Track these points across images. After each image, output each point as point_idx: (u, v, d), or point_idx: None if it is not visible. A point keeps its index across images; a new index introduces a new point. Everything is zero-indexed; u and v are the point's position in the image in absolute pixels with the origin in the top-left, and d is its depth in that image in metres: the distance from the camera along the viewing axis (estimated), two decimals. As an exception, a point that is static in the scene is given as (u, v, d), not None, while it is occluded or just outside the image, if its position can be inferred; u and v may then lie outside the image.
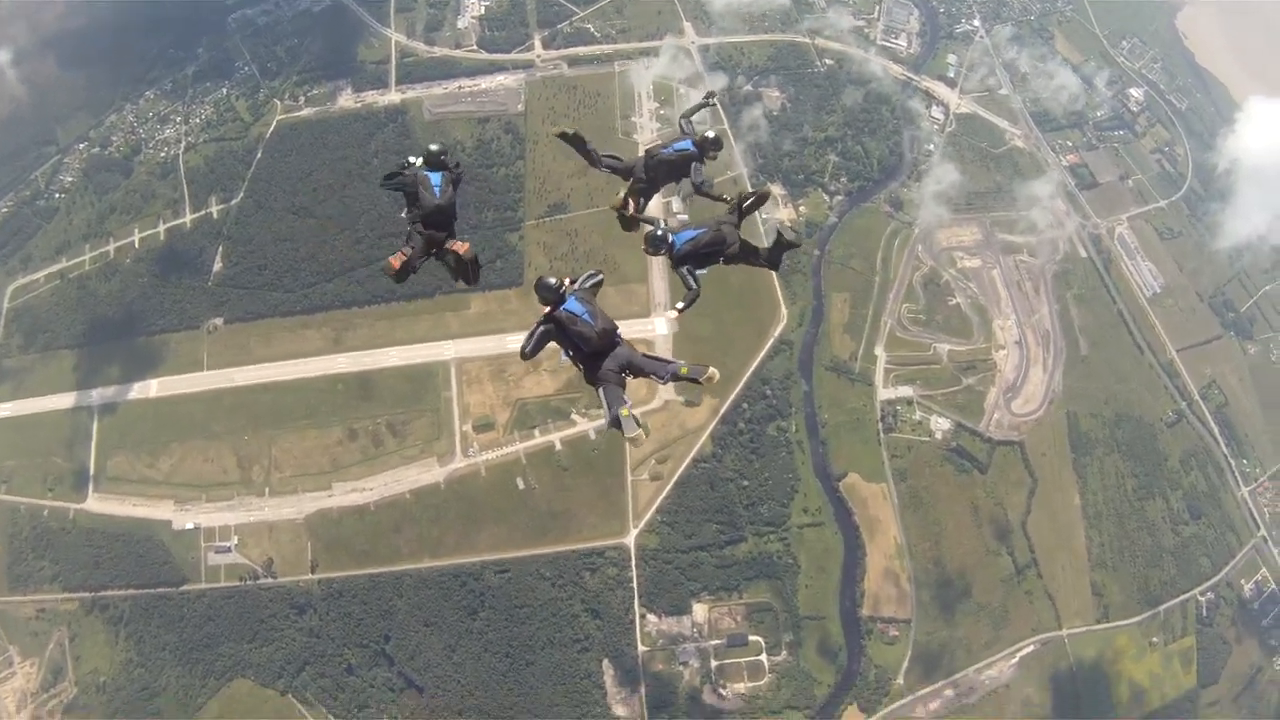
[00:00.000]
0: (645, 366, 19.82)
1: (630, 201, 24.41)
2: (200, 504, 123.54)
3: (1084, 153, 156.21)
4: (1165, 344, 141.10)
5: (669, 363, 19.83)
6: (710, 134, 24.05)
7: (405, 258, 21.33)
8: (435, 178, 22.15)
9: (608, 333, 19.51)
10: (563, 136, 24.15)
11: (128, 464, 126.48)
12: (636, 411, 18.80)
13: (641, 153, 24.80)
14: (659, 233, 21.70)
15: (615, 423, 18.75)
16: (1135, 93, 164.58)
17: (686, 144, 23.94)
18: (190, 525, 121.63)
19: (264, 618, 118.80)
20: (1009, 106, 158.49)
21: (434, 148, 22.69)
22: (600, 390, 19.54)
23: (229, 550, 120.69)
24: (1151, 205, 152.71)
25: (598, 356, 19.58)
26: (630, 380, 20.18)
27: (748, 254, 22.59)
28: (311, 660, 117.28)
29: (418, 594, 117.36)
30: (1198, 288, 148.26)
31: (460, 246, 21.78)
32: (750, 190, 23.33)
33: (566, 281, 20.10)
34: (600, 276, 21.11)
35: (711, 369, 19.27)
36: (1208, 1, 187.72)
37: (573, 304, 19.54)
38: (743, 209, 22.73)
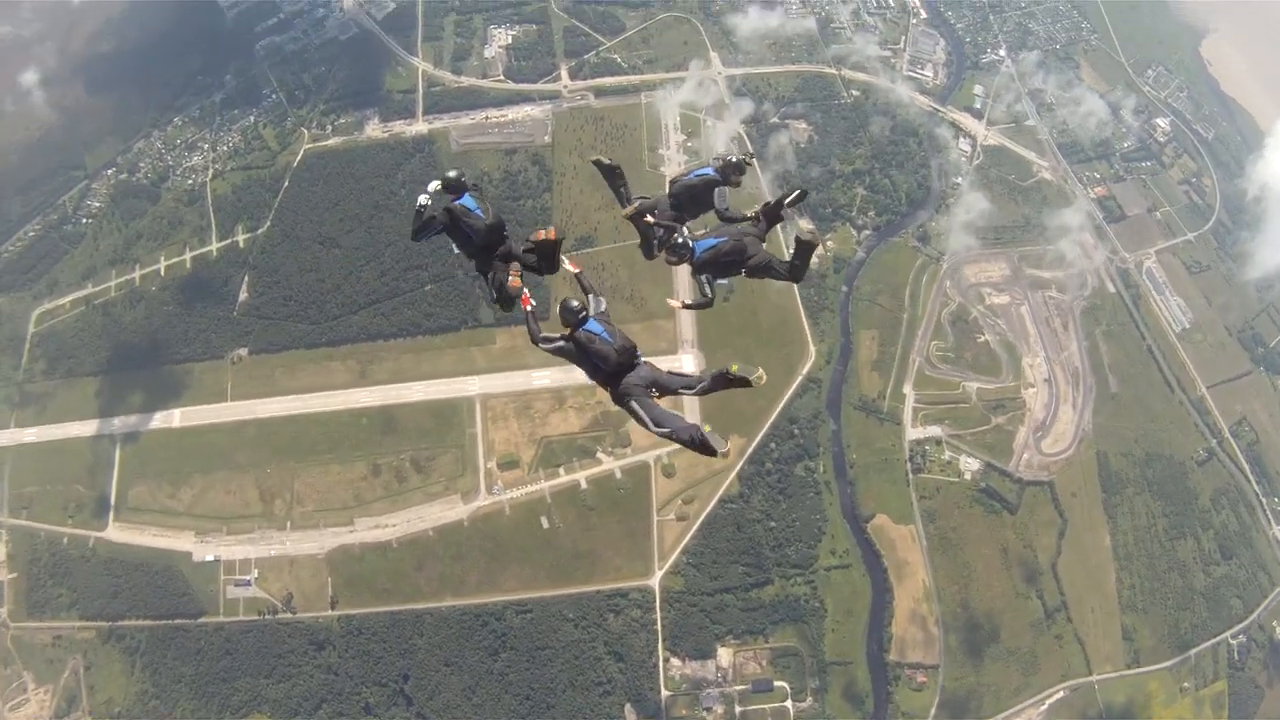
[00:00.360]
0: (670, 383, 19.74)
1: (642, 210, 23.21)
2: (221, 536, 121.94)
3: (1111, 185, 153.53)
4: (1195, 380, 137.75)
5: (693, 376, 19.80)
6: (733, 157, 22.86)
7: (519, 274, 21.30)
8: (470, 202, 21.91)
9: (626, 350, 19.51)
10: (598, 165, 23.84)
11: (149, 494, 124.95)
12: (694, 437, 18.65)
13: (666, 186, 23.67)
14: (680, 240, 21.47)
15: (696, 443, 18.53)
16: (1162, 123, 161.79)
17: (708, 169, 22.93)
18: (210, 557, 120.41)
19: (282, 653, 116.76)
20: (1036, 137, 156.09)
21: (452, 174, 22.39)
22: (634, 404, 19.26)
23: (249, 584, 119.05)
24: (1180, 238, 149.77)
25: (617, 376, 19.50)
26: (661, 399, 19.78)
27: (770, 266, 21.75)
28: (329, 698, 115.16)
29: (438, 633, 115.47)
30: (1226, 322, 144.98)
31: (544, 233, 21.81)
32: (786, 191, 22.59)
33: (590, 303, 20.30)
34: (604, 306, 20.78)
35: (760, 370, 19.11)
36: (1231, 29, 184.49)
37: (592, 324, 19.69)
38: (781, 208, 22.28)
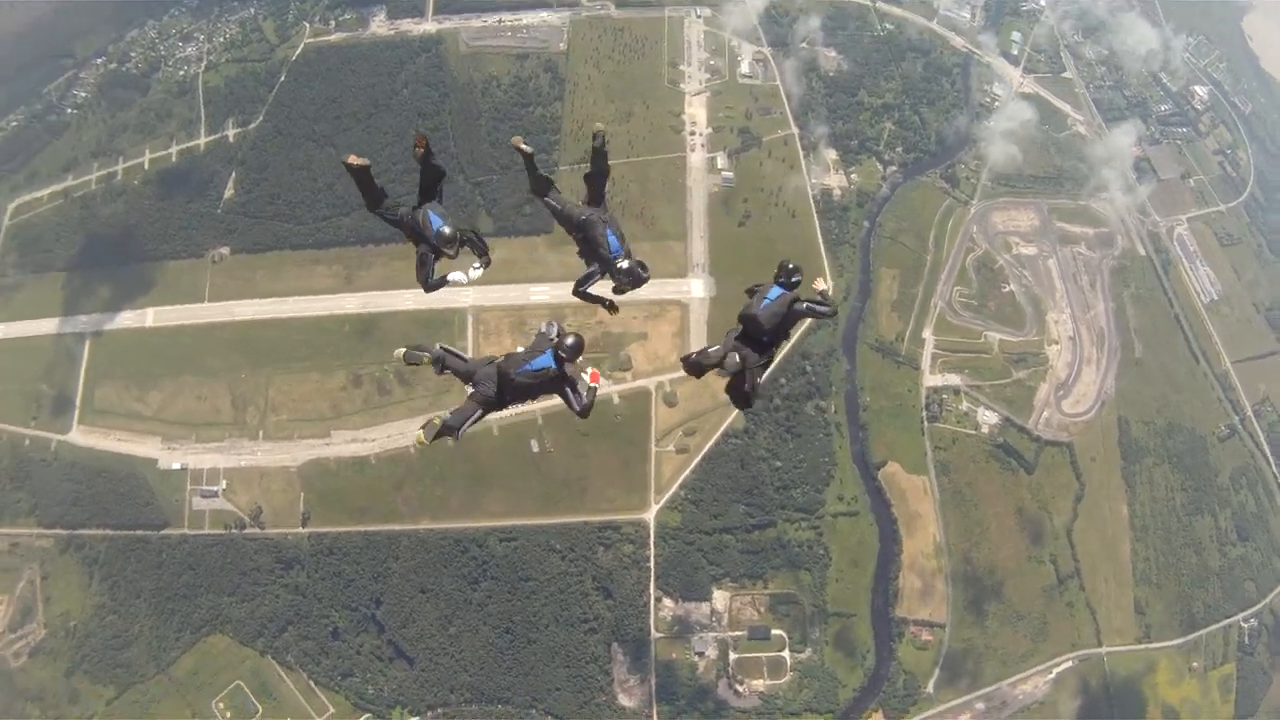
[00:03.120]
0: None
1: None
2: (189, 443, 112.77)
3: (1147, 146, 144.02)
4: (1221, 354, 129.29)
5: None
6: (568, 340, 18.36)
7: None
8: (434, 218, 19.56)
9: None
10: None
11: (116, 396, 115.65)
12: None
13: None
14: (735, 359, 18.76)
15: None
16: (1200, 90, 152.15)
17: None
18: (176, 465, 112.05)
19: (247, 570, 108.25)
20: (1072, 90, 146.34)
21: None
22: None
23: (216, 495, 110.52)
24: (1212, 208, 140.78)
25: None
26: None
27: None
28: (295, 620, 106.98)
29: (415, 557, 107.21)
30: (1255, 299, 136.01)
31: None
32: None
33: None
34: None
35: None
36: (1273, 5, 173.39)
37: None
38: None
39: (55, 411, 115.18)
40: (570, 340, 17.85)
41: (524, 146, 20.02)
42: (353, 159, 19.31)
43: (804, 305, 18.97)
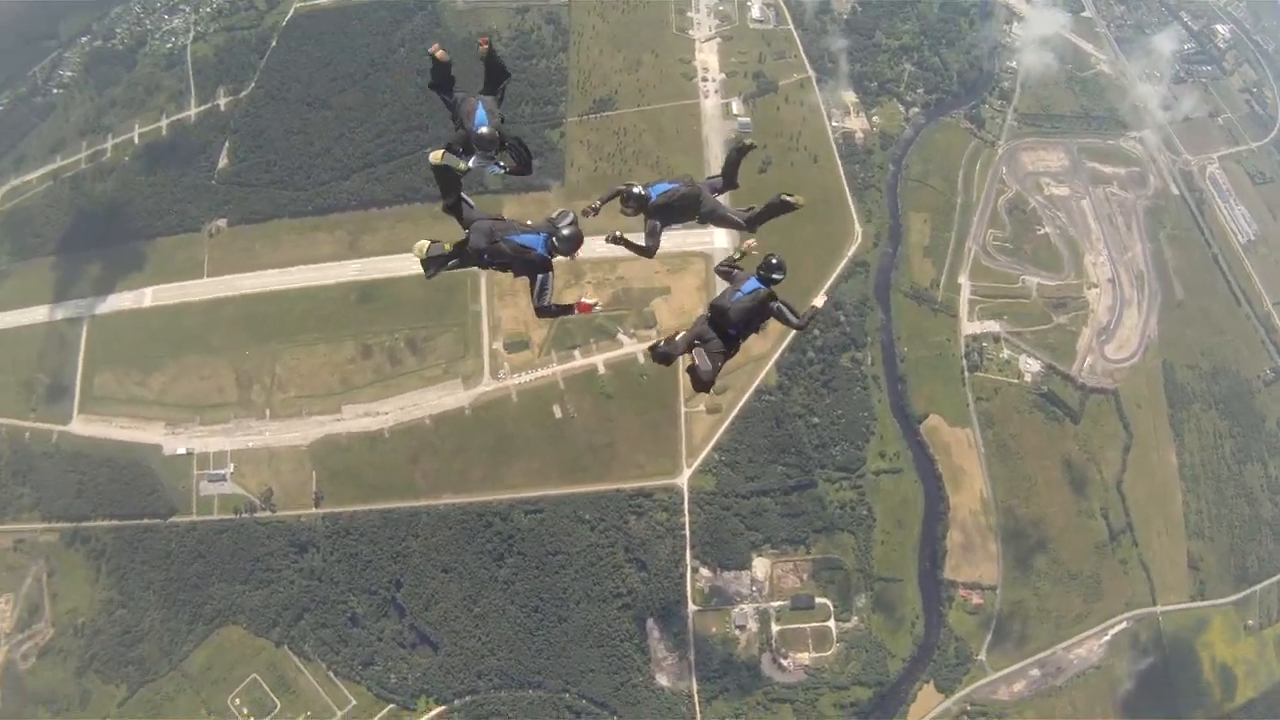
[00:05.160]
0: (726, 218, 19.44)
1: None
2: (194, 426, 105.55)
3: (1172, 85, 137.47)
4: (1261, 295, 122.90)
5: (743, 211, 19.49)
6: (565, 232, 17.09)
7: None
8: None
9: (692, 181, 19.02)
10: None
11: (116, 381, 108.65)
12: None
13: None
14: (636, 190, 18.49)
15: (780, 206, 18.78)
16: (1221, 29, 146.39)
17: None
18: (182, 450, 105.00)
19: (260, 556, 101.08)
20: (1094, 30, 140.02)
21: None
22: (721, 214, 19.22)
23: (224, 479, 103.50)
24: (1242, 146, 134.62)
25: (700, 205, 18.93)
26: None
27: (724, 215, 19.45)
28: (311, 607, 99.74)
29: (435, 535, 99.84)
30: None
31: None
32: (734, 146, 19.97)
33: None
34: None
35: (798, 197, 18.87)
36: None
37: (659, 187, 18.49)
38: (735, 168, 19.72)
39: (55, 401, 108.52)
40: (566, 231, 16.79)
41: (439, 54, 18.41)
42: (437, 51, 18.00)
43: (777, 306, 17.90)
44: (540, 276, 17.00)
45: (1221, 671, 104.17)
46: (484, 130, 17.33)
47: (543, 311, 17.42)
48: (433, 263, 17.21)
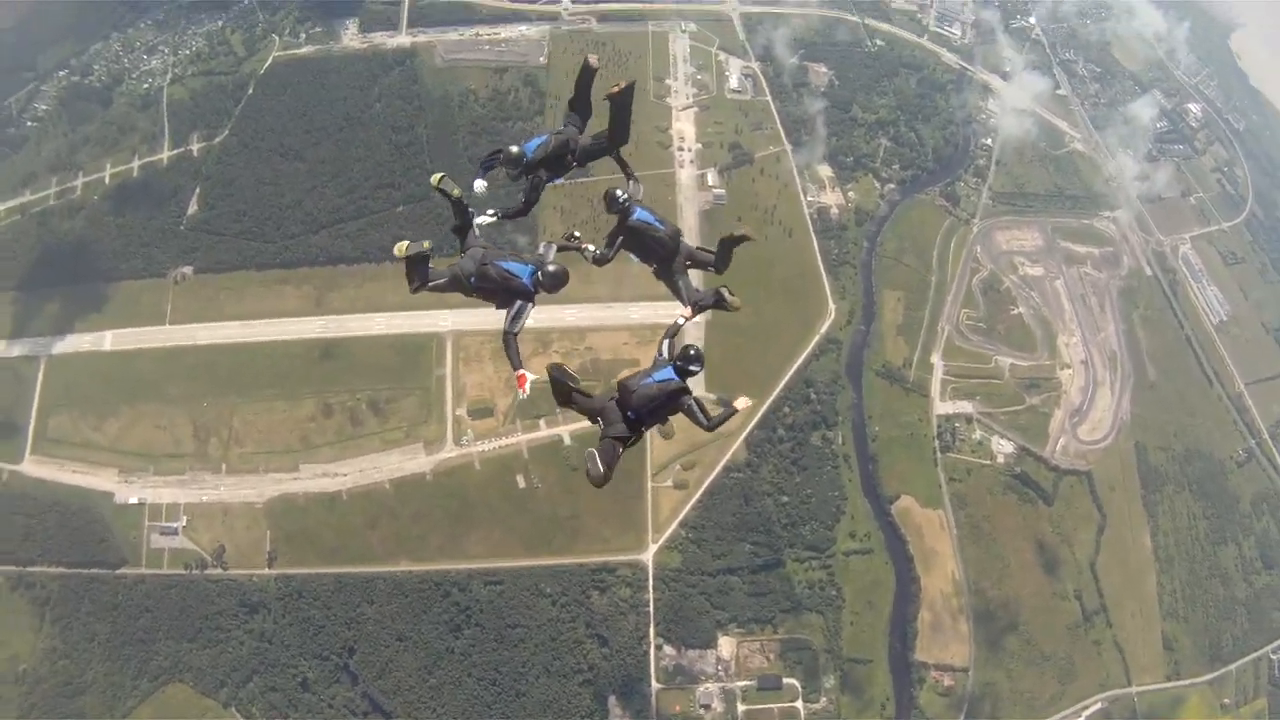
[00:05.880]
0: (700, 257, 19.33)
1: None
2: (147, 476, 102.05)
3: (1145, 163, 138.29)
4: (1233, 376, 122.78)
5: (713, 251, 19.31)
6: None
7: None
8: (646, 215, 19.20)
9: (675, 235, 19.00)
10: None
11: (71, 424, 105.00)
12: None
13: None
14: (513, 150, 18.49)
15: (714, 301, 18.30)
16: (1194, 108, 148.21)
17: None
18: (134, 500, 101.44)
19: (209, 614, 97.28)
20: (1068, 107, 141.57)
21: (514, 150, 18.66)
22: (677, 282, 18.92)
23: (175, 532, 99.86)
24: (1214, 226, 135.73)
25: (670, 257, 18.92)
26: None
27: (590, 151, 19.41)
28: (261, 669, 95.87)
29: (391, 602, 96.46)
30: (1262, 319, 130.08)
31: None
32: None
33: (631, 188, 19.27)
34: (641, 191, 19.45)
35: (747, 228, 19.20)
36: (1259, 25, 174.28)
37: (641, 213, 18.77)
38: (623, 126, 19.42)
39: (6, 440, 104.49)
40: (552, 268, 17.18)
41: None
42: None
43: (688, 403, 17.03)
44: (518, 304, 17.21)
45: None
46: (516, 151, 18.09)
47: (508, 340, 17.38)
48: (415, 270, 17.17)
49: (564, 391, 16.79)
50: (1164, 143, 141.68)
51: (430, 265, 17.12)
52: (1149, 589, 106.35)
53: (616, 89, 18.31)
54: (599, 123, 19.34)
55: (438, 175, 17.56)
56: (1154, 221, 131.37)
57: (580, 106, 19.21)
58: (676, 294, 18.91)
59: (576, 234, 18.88)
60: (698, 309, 18.38)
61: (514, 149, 18.22)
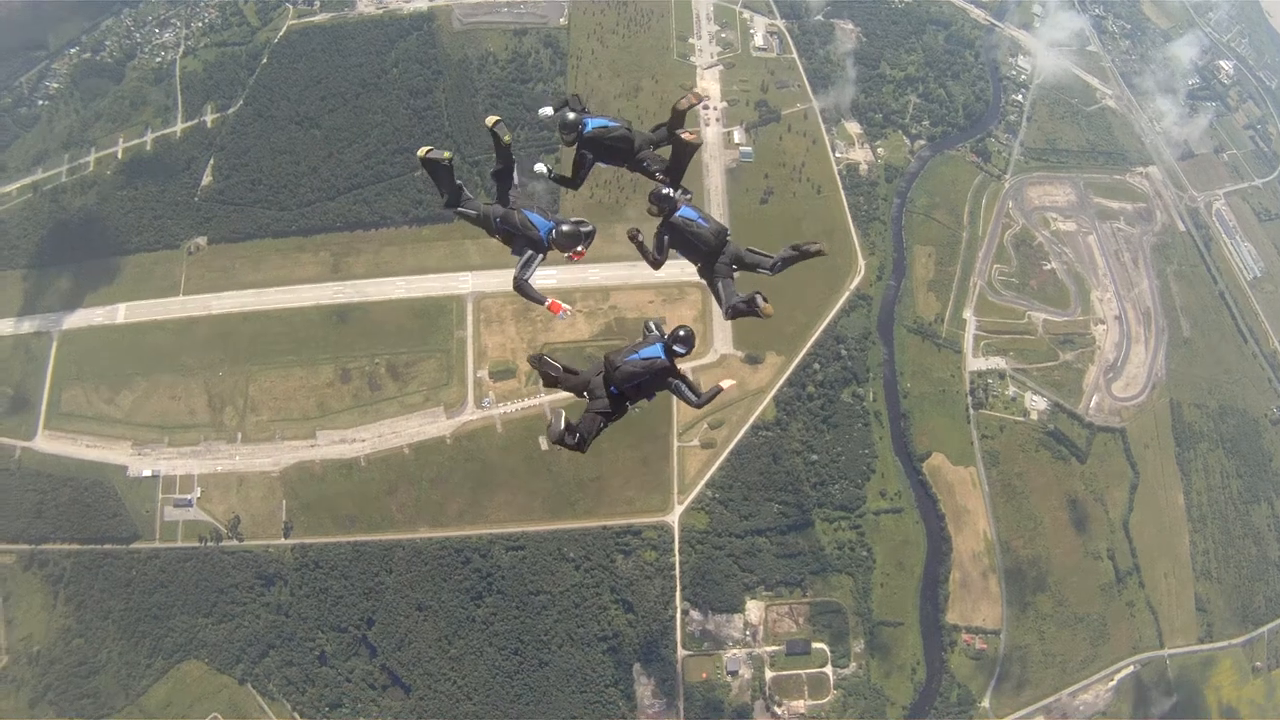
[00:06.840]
0: (749, 259, 18.65)
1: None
2: (161, 448, 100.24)
3: (1183, 109, 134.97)
4: (1268, 333, 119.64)
5: (770, 256, 18.62)
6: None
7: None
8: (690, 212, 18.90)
9: (720, 233, 18.48)
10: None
11: (84, 397, 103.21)
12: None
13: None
14: (572, 116, 18.96)
15: (748, 307, 17.49)
16: (1225, 65, 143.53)
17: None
18: (147, 472, 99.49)
19: (224, 588, 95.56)
20: (1099, 64, 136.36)
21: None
22: (718, 284, 18.39)
23: (189, 504, 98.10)
24: (1247, 183, 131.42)
25: (711, 256, 18.50)
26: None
27: (648, 169, 19.42)
28: (277, 644, 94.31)
29: (411, 570, 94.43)
30: None
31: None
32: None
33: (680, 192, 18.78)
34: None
35: (820, 244, 18.45)
36: None
37: (686, 211, 18.55)
38: (681, 119, 19.60)
39: (19, 416, 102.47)
40: (567, 227, 17.72)
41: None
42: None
43: (675, 383, 17.24)
44: (529, 253, 17.73)
45: (1228, 713, 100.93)
46: (573, 118, 18.44)
47: (519, 284, 17.75)
48: (440, 181, 17.84)
49: (548, 378, 17.29)
50: (1196, 99, 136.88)
51: (461, 185, 17.99)
52: (1182, 549, 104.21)
53: (690, 135, 19.07)
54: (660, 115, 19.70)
55: (493, 118, 17.73)
56: (1187, 178, 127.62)
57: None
58: (716, 296, 18.68)
59: (639, 234, 18.96)
60: (733, 314, 17.98)
61: (571, 115, 18.58)
